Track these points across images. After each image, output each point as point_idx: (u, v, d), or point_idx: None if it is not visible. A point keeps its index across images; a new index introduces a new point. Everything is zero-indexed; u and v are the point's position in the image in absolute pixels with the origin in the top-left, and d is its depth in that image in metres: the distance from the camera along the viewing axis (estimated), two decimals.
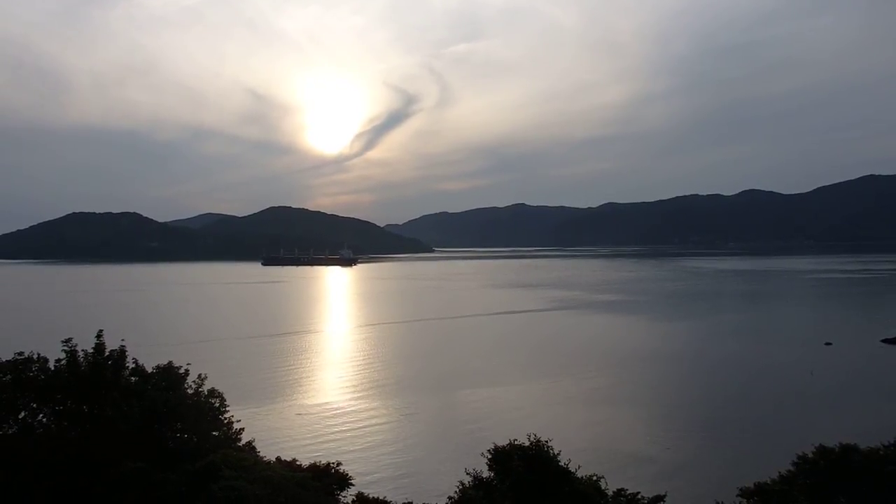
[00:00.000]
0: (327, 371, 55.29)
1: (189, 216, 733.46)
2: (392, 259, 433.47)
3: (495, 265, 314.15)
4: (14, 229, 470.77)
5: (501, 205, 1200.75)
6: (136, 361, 16.04)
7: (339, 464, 16.16)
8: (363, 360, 60.27)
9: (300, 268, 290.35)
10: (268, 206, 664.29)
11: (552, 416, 39.86)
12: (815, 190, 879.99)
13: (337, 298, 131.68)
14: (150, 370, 16.06)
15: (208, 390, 16.19)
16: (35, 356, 14.67)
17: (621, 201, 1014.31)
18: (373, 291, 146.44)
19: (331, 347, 70.14)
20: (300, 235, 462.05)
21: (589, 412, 40.83)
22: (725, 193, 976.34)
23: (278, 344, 69.84)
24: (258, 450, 16.40)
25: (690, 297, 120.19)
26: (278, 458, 16.55)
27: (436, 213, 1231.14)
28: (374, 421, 39.68)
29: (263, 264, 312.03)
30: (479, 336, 74.69)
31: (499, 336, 74.37)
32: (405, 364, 57.49)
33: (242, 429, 16.57)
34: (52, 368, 14.67)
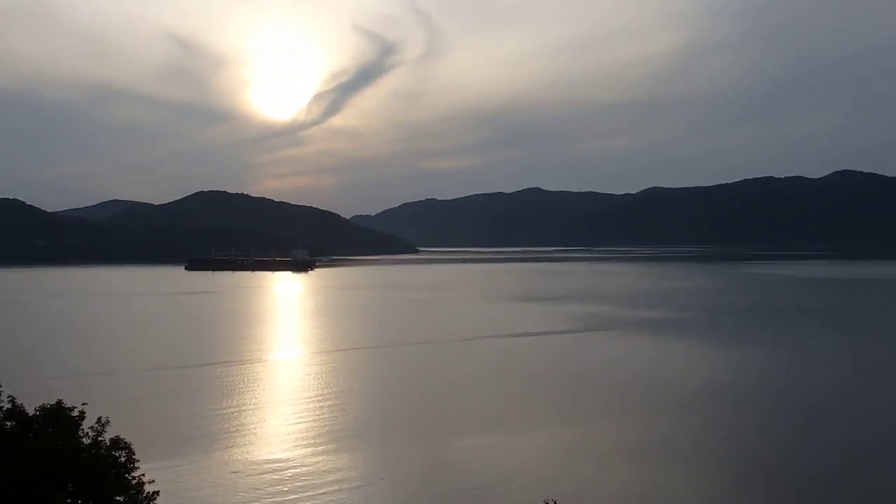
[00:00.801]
0: (272, 414, 54.86)
1: (89, 204, 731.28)
2: (362, 262, 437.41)
3: (500, 271, 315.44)
4: None
5: (508, 189, 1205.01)
6: (12, 401, 15.94)
7: None
8: (319, 399, 59.88)
9: (238, 274, 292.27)
10: (195, 192, 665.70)
11: (581, 478, 39.24)
12: None
13: (285, 316, 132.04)
14: (31, 413, 15.98)
15: (111, 440, 16.23)
16: None
17: (670, 185, 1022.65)
18: (334, 306, 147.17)
19: (276, 382, 69.12)
20: (239, 230, 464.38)
21: (632, 472, 39.93)
22: (810, 176, 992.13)
23: (206, 378, 69.38)
24: None
25: (765, 317, 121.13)
26: None
27: (421, 202, 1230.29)
28: (333, 484, 39.05)
29: (188, 269, 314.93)
30: (477, 367, 74.28)
31: (504, 367, 74.03)
32: (376, 405, 57.22)
33: (157, 492, 16.61)
34: None
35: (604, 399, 58.03)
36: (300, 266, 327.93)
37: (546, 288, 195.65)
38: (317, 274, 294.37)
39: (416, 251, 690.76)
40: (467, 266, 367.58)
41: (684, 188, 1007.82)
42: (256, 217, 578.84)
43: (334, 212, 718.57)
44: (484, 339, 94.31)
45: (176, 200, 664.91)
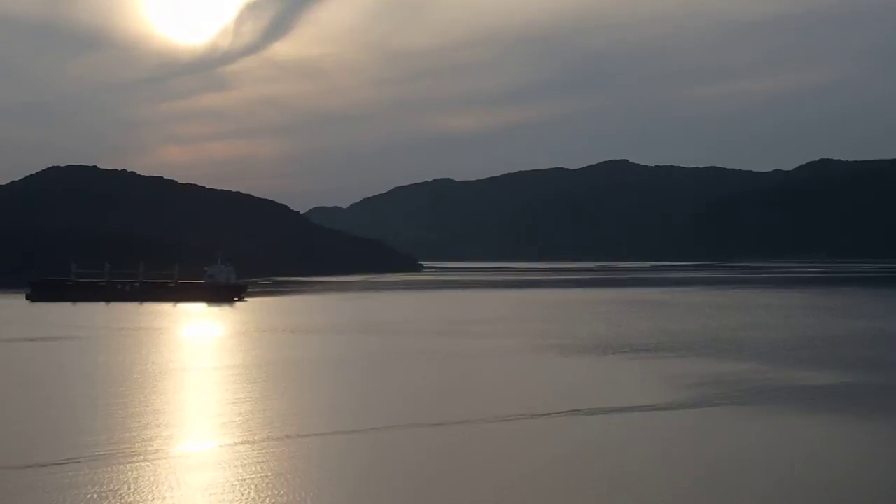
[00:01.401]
0: None
1: None
2: (327, 287, 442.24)
3: (560, 301, 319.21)
4: None
5: (571, 164, 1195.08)
6: None
7: None
8: None
9: (116, 306, 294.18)
10: (45, 167, 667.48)
11: None
12: None
13: (192, 378, 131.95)
14: None
15: None
16: None
17: (850, 158, 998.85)
18: (279, 362, 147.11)
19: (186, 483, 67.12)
20: (118, 233, 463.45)
21: None
22: None
23: (61, 484, 67.43)
24: None
25: None
26: None
27: (425, 186, 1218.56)
28: None
29: (31, 298, 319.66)
30: (526, 464, 73.56)
31: (571, 465, 73.96)
32: None
33: None
34: None
35: None
36: (221, 293, 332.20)
37: (639, 329, 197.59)
38: (250, 306, 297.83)
39: (419, 268, 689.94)
40: (504, 293, 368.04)
41: (875, 160, 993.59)
42: (149, 210, 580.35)
43: (280, 202, 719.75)
44: (535, 419, 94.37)
45: (14, 182, 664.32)
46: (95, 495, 64.51)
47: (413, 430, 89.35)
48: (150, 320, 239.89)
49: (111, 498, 64.51)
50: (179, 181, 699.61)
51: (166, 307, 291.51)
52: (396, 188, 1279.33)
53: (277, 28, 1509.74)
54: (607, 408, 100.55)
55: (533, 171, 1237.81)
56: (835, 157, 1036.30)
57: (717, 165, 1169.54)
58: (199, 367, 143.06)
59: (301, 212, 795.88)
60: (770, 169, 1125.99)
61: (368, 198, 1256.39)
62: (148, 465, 74.34)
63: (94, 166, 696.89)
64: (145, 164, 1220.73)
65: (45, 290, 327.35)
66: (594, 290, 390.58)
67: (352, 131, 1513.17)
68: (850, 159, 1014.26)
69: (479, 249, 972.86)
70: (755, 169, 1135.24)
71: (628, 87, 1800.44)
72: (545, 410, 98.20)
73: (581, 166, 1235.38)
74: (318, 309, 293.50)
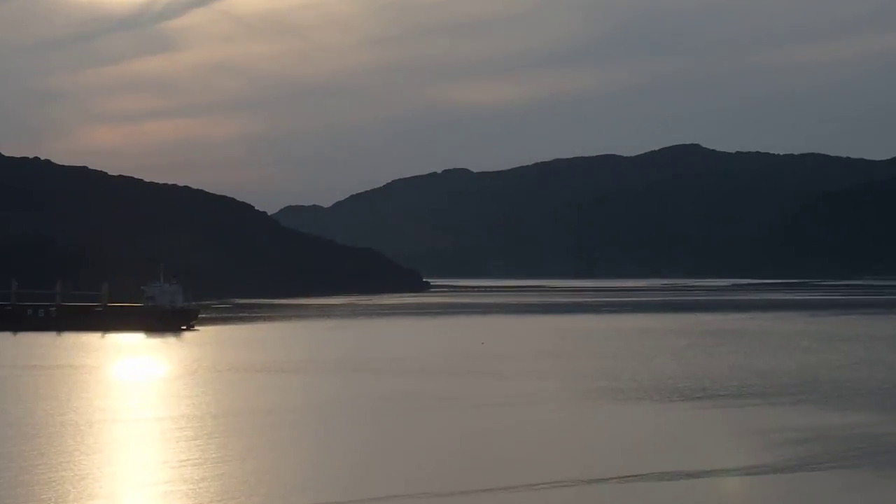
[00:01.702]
0: None
1: None
2: (303, 311, 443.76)
3: (613, 329, 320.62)
4: None
5: (629, 151, 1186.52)
6: None
7: None
8: None
9: (24, 337, 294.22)
10: None
11: None
12: None
13: (133, 433, 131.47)
14: None
15: None
16: None
17: None
18: (243, 411, 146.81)
19: None
20: (28, 239, 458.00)
21: None
22: None
23: None
24: None
25: None
26: None
27: (433, 178, 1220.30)
28: None
29: None
30: None
31: None
32: None
33: None
34: None
35: None
36: (164, 320, 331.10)
37: (718, 370, 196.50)
38: (202, 337, 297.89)
39: (425, 287, 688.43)
40: (538, 320, 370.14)
41: None
42: (68, 211, 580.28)
43: (242, 199, 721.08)
44: (595, 485, 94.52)
45: None
46: None
47: (425, 502, 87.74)
48: (72, 356, 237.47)
49: None
50: (110, 172, 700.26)
51: (92, 339, 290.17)
52: (395, 182, 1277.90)
53: None
54: (679, 472, 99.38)
55: (575, 159, 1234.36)
56: None
57: (819, 152, 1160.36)
58: (135, 417, 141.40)
59: (269, 213, 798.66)
60: (889, 157, 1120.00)
61: (358, 194, 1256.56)
62: None
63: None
64: (64, 151, 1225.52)
65: None
66: (657, 315, 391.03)
67: (337, 107, 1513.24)
68: None
69: (503, 263, 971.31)
70: (868, 157, 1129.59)
71: (702, 50, 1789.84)
72: (598, 475, 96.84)
73: (638, 153, 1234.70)
74: (291, 341, 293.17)
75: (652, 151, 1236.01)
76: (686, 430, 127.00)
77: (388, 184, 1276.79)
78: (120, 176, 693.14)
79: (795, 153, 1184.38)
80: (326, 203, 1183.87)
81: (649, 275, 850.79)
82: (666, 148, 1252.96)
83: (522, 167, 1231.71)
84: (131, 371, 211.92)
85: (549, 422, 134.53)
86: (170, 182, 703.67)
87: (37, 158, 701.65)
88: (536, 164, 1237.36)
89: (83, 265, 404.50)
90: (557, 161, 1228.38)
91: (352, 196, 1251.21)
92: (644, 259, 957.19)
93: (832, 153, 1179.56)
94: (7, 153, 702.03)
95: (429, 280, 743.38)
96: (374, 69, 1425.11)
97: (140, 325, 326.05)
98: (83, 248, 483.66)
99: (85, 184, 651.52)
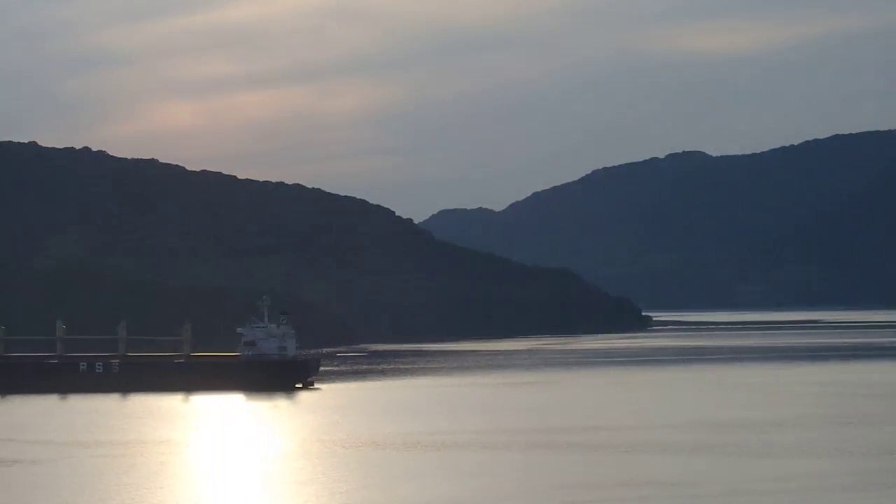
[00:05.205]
0: None
1: None
2: (466, 361, 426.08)
3: None
4: None
5: None
6: None
7: None
8: None
9: (77, 401, 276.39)
10: None
11: None
12: None
13: None
14: None
15: None
16: None
17: None
18: None
19: None
20: (64, 264, 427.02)
21: None
22: None
23: None
24: None
25: None
26: None
27: (652, 163, 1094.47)
28: None
29: None
30: None
31: None
32: None
33: None
34: None
35: None
36: (273, 375, 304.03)
37: None
38: (325, 399, 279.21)
39: (645, 323, 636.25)
40: (817, 369, 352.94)
41: None
42: (129, 220, 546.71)
43: (376, 202, 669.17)
44: None
45: None
46: None
47: None
48: (146, 428, 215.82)
49: None
50: (187, 167, 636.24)
51: (171, 403, 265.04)
52: (596, 172, 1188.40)
53: None
54: None
55: (869, 133, 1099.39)
56: None
57: None
58: None
59: (416, 220, 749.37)
60: None
61: (542, 191, 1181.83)
62: None
63: (34, 142, 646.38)
64: (121, 136, 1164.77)
65: None
66: None
67: (509, 65, 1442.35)
68: None
69: (758, 289, 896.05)
70: None
71: None
72: None
73: None
74: (453, 404, 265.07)
75: None
76: None
77: (586, 175, 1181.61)
78: (203, 171, 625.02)
79: None
80: (497, 206, 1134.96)
81: None
82: None
83: (782, 147, 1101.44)
84: (229, 449, 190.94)
85: None
86: (270, 179, 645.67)
87: (86, 149, 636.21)
88: (807, 143, 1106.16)
89: (152, 298, 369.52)
90: (842, 137, 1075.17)
91: (534, 195, 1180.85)
92: None
93: None
94: (45, 143, 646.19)
95: (649, 314, 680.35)
96: (558, 10, 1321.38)
97: (237, 382, 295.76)
98: (151, 273, 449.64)
99: (152, 182, 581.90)
